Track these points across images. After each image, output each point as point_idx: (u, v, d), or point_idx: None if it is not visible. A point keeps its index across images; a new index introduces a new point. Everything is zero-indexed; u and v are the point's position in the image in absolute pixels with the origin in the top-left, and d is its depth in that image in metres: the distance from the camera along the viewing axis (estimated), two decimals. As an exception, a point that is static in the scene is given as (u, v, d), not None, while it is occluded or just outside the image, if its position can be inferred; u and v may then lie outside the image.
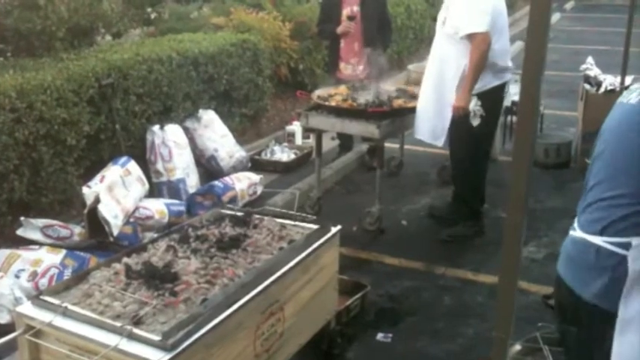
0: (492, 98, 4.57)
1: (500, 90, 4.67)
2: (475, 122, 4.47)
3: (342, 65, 6.19)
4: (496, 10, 4.42)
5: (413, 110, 4.92)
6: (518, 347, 3.38)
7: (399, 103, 5.03)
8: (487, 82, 4.49)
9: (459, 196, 4.98)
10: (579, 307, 2.11)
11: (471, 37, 4.30)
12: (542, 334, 3.42)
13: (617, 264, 1.94)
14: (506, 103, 5.92)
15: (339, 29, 5.99)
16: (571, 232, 2.20)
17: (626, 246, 1.92)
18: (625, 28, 5.49)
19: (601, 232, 2.03)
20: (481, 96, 4.46)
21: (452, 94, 4.48)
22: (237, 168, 5.86)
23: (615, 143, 2.07)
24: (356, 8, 6.01)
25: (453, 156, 4.88)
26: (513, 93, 6.06)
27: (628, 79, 5.89)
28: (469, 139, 4.55)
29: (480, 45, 4.28)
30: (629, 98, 2.05)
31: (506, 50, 4.62)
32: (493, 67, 4.47)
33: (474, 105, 4.42)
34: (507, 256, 1.61)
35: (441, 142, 4.71)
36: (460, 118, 4.46)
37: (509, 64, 4.69)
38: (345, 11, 6.01)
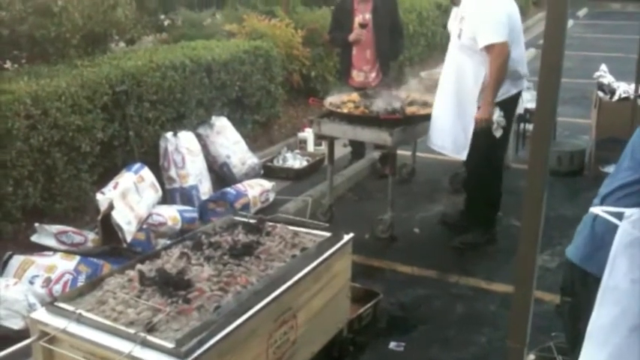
0: (510, 107, 4.57)
1: (516, 98, 4.68)
2: (498, 133, 4.42)
3: (354, 73, 6.19)
4: (511, 19, 4.40)
5: (426, 118, 4.91)
6: (531, 357, 3.36)
7: (411, 110, 5.02)
8: (506, 91, 4.47)
9: (472, 204, 4.95)
10: (573, 274, 2.27)
11: (489, 48, 4.27)
12: (556, 344, 3.40)
13: (607, 231, 2.05)
14: (519, 110, 5.90)
15: (351, 37, 6.00)
16: None
17: (620, 216, 2.02)
18: (638, 35, 5.46)
19: (601, 202, 2.17)
20: (502, 105, 4.43)
21: (473, 106, 4.44)
22: (249, 175, 5.87)
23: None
24: (368, 16, 6.01)
25: (469, 165, 4.84)
26: (526, 100, 6.04)
27: (641, 87, 5.86)
28: (487, 149, 4.52)
29: (499, 56, 4.25)
30: None
31: (523, 58, 4.61)
32: (513, 75, 4.45)
33: (498, 116, 4.38)
34: (523, 264, 1.60)
35: (464, 155, 4.64)
36: (482, 130, 4.41)
37: (526, 71, 4.67)
38: (357, 19, 6.02)
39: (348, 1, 6.23)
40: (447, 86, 4.63)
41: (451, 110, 4.58)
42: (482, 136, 4.43)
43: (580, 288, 2.25)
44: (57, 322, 2.57)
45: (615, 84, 6.21)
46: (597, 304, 1.99)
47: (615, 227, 2.02)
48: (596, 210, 2.17)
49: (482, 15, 4.33)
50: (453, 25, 4.67)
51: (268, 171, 6.19)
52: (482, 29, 4.29)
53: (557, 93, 1.45)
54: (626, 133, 5.41)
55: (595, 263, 2.10)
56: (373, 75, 6.15)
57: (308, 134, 6.83)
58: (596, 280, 2.04)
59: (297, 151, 6.76)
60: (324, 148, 6.21)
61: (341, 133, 5.19)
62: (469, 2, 4.43)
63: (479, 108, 4.42)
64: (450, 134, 4.64)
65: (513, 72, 4.43)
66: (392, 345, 3.72)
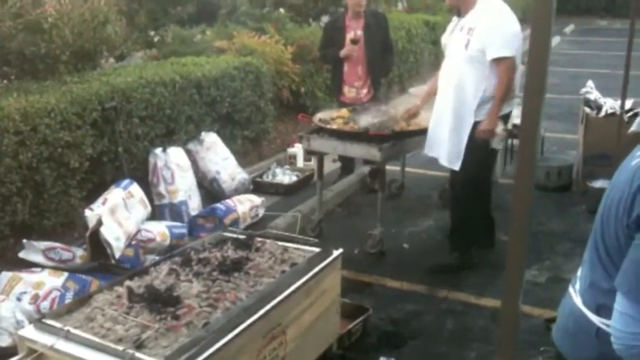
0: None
1: (508, 117, 4.65)
2: (498, 146, 4.46)
3: (345, 89, 6.22)
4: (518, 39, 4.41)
5: (415, 133, 4.94)
6: (521, 372, 3.35)
7: (401, 126, 5.04)
8: (501, 109, 4.43)
9: (454, 226, 4.87)
10: None
11: (498, 61, 4.28)
12: (545, 358, 3.41)
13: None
14: (508, 126, 5.94)
15: (343, 52, 6.03)
16: (571, 293, 2.04)
17: None
18: (625, 51, 5.52)
19: (597, 311, 1.89)
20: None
21: (471, 117, 4.41)
22: (239, 190, 5.88)
23: (612, 205, 1.86)
24: (359, 32, 6.06)
25: (456, 185, 4.76)
26: (514, 116, 6.08)
27: (628, 103, 5.92)
28: (479, 165, 4.50)
29: (509, 69, 4.27)
30: (634, 157, 1.84)
31: (519, 78, 4.57)
32: (509, 94, 4.45)
33: (501, 129, 4.40)
34: (510, 280, 1.62)
35: (457, 165, 4.57)
36: (480, 144, 4.39)
37: (518, 91, 4.67)
38: (349, 35, 6.06)
39: (340, 18, 6.28)
40: (445, 97, 4.59)
41: (448, 120, 4.54)
42: (476, 151, 4.40)
43: None
44: (45, 339, 2.55)
45: (602, 100, 6.27)
46: None
47: None
48: (595, 320, 1.90)
49: (494, 27, 4.31)
50: (455, 37, 4.57)
51: (258, 186, 6.20)
52: (493, 41, 4.28)
53: (541, 110, 1.47)
54: (613, 149, 5.49)
55: None
56: (365, 91, 6.19)
57: (297, 150, 6.85)
58: None
59: (287, 166, 6.78)
60: (313, 163, 6.23)
61: (330, 149, 5.21)
62: (480, 14, 4.40)
63: (477, 122, 4.40)
64: (445, 144, 4.59)
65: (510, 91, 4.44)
66: (381, 360, 3.72)
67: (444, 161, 4.68)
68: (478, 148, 4.42)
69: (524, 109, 1.48)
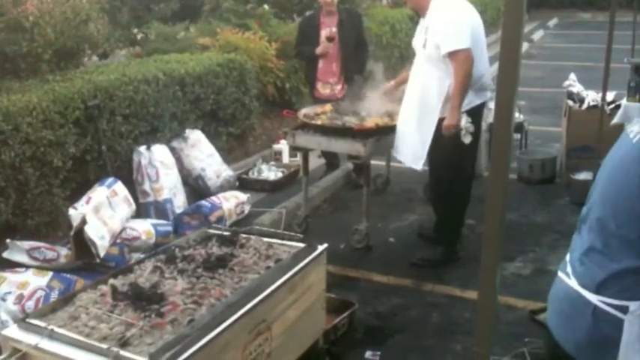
0: (475, 118, 4.49)
1: (481, 109, 4.63)
2: (467, 140, 4.37)
3: (319, 85, 6.23)
4: (474, 31, 4.38)
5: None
6: (505, 363, 3.39)
7: (384, 121, 5.05)
8: (470, 102, 4.42)
9: (438, 219, 4.90)
10: None
11: (453, 55, 4.24)
12: (530, 350, 3.45)
13: (615, 328, 1.81)
14: (490, 119, 5.96)
15: (319, 50, 6.04)
16: (563, 277, 2.02)
17: (624, 309, 1.81)
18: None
19: (597, 290, 1.87)
20: (468, 114, 4.40)
21: (435, 115, 4.40)
22: (224, 187, 5.87)
23: (617, 184, 1.86)
24: (334, 29, 6.07)
25: (434, 177, 4.77)
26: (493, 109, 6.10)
27: (610, 95, 5.96)
28: (453, 160, 4.47)
29: (464, 62, 4.22)
30: (632, 131, 1.85)
31: (487, 70, 4.59)
32: (475, 86, 4.41)
33: (465, 122, 4.34)
34: (486, 270, 1.64)
35: (419, 165, 4.61)
36: (450, 138, 4.35)
37: (490, 82, 4.65)
38: (324, 32, 6.07)
39: (315, 15, 6.30)
40: (411, 97, 4.61)
41: (413, 120, 4.56)
42: (450, 146, 4.38)
43: None
44: (29, 339, 2.55)
45: (584, 92, 6.32)
46: None
47: (622, 321, 1.81)
48: (592, 299, 1.88)
49: (445, 23, 4.31)
50: (418, 39, 4.63)
51: (243, 183, 6.20)
52: (445, 36, 4.27)
53: (514, 99, 1.48)
54: (596, 141, 5.54)
55: None
56: (339, 87, 6.21)
57: (283, 146, 6.85)
58: None
59: (273, 162, 6.78)
60: (299, 159, 6.23)
61: (315, 145, 5.21)
62: (433, 12, 4.41)
63: (442, 119, 4.37)
64: (409, 144, 4.62)
65: (476, 83, 4.41)
66: (368, 354, 3.73)
67: (408, 161, 4.69)
68: (447, 146, 4.39)
69: (497, 102, 1.49)
